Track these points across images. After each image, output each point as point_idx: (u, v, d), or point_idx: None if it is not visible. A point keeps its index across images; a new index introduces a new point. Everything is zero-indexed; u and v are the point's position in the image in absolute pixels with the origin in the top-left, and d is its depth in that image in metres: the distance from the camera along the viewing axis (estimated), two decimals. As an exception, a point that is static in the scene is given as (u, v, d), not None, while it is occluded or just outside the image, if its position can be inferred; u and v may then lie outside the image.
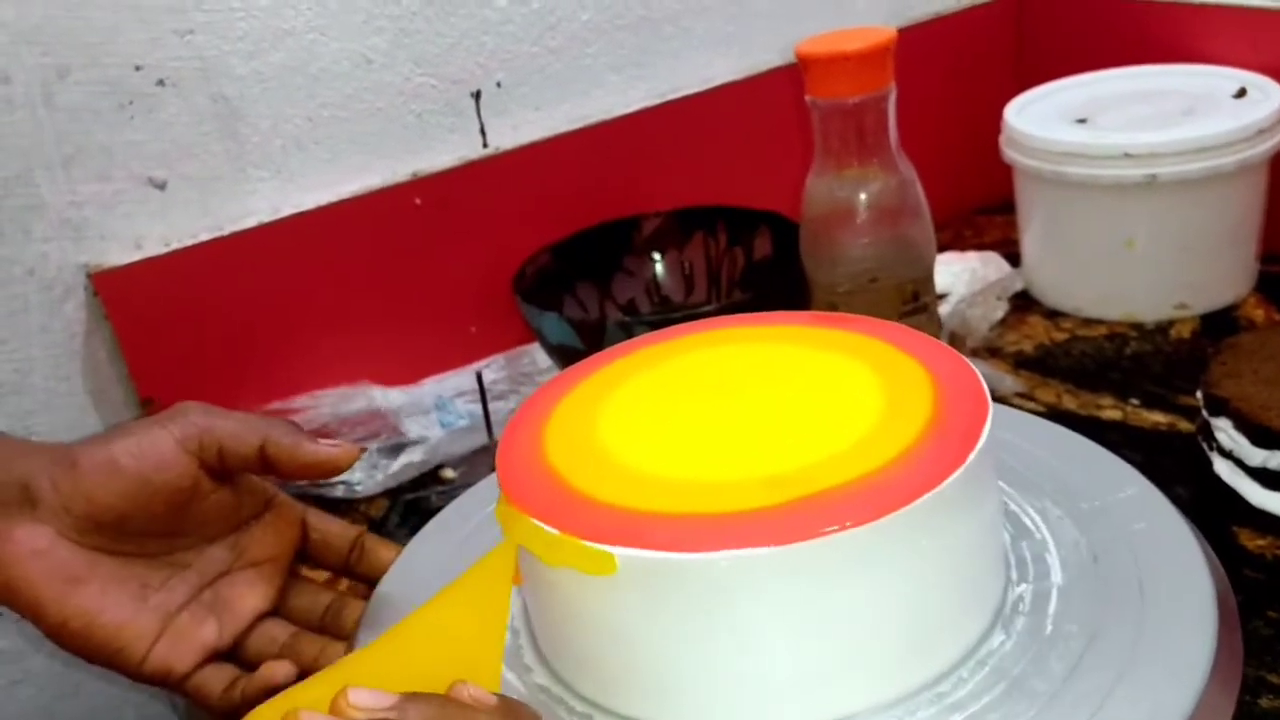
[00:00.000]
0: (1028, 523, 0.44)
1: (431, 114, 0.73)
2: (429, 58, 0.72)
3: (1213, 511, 0.53)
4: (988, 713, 0.36)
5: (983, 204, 0.91)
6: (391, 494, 0.68)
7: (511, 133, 0.76)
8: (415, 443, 0.69)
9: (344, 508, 0.67)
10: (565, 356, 0.66)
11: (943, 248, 0.79)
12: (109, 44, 0.63)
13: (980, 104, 0.81)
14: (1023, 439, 0.48)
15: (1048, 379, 0.68)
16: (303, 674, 0.45)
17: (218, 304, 0.68)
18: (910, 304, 0.60)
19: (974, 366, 0.41)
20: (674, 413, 0.42)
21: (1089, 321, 0.73)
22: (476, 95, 0.74)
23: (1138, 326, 0.72)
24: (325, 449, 0.45)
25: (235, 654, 0.46)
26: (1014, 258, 0.80)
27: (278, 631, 0.47)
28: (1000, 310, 0.76)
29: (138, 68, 0.64)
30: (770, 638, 0.35)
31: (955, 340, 0.73)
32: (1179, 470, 0.56)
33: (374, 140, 0.72)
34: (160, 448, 0.44)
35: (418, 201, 0.73)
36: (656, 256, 0.78)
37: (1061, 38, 0.88)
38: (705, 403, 0.42)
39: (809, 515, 0.34)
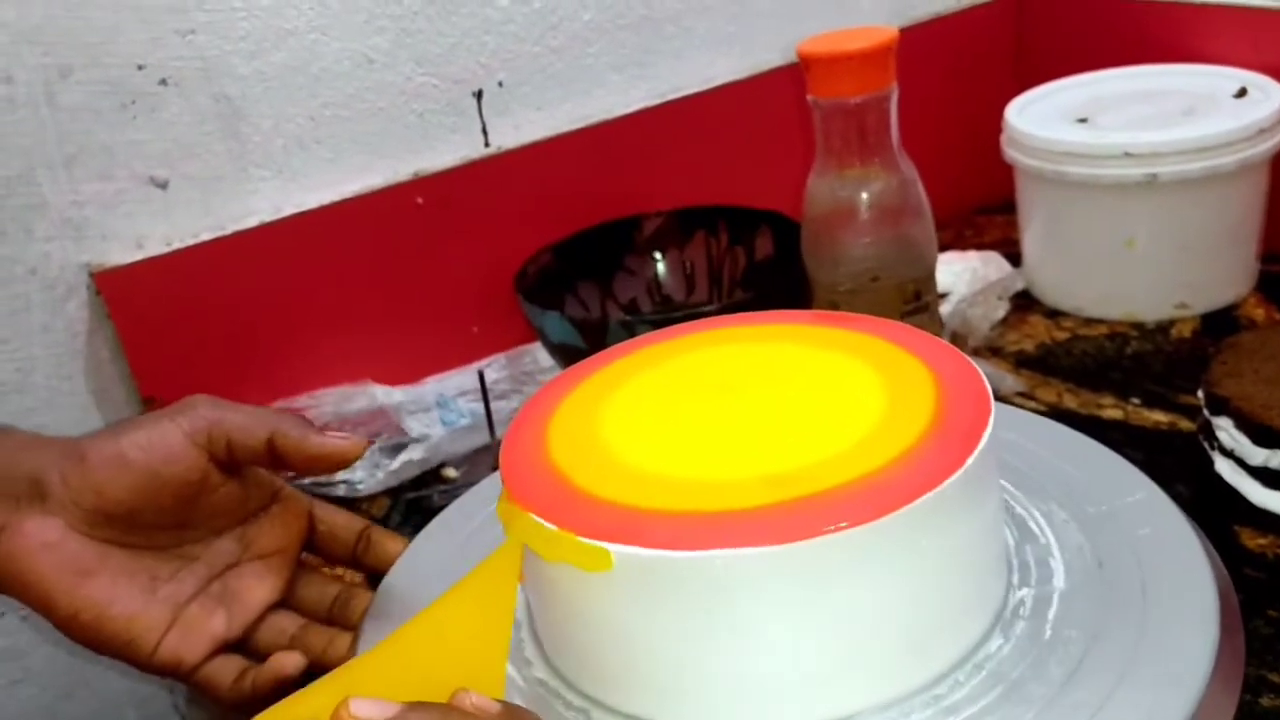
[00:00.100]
0: (1033, 526, 0.44)
1: (433, 113, 0.73)
2: (431, 57, 0.72)
3: (1214, 511, 0.53)
4: (984, 716, 0.36)
5: (983, 204, 0.91)
6: (393, 493, 0.68)
7: (513, 132, 0.76)
8: (417, 441, 0.69)
9: (345, 506, 0.66)
10: (567, 356, 0.66)
11: (944, 247, 0.79)
12: (111, 44, 0.63)
13: (981, 104, 0.81)
14: (1031, 441, 0.48)
15: (1049, 378, 0.68)
16: (311, 665, 0.45)
17: (220, 303, 0.69)
18: (912, 303, 0.60)
19: (976, 366, 0.41)
20: (676, 412, 0.42)
21: (1090, 321, 0.73)
22: (478, 95, 0.74)
23: (1138, 326, 0.72)
24: (333, 441, 0.46)
25: (245, 646, 0.47)
26: (1015, 257, 0.80)
27: (287, 623, 0.47)
28: (1001, 310, 0.76)
29: (140, 67, 0.64)
30: (767, 638, 0.35)
31: (956, 340, 0.73)
32: (1180, 469, 0.56)
33: (376, 140, 0.72)
34: (169, 441, 0.44)
35: (419, 201, 0.73)
36: (658, 256, 0.78)
37: (1062, 38, 0.88)
38: (707, 402, 0.42)
39: (808, 515, 0.34)
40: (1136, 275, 0.72)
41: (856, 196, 0.59)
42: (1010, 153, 0.74)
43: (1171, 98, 0.74)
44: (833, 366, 0.43)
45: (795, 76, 0.63)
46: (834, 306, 0.61)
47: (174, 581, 0.46)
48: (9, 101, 0.61)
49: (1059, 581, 0.40)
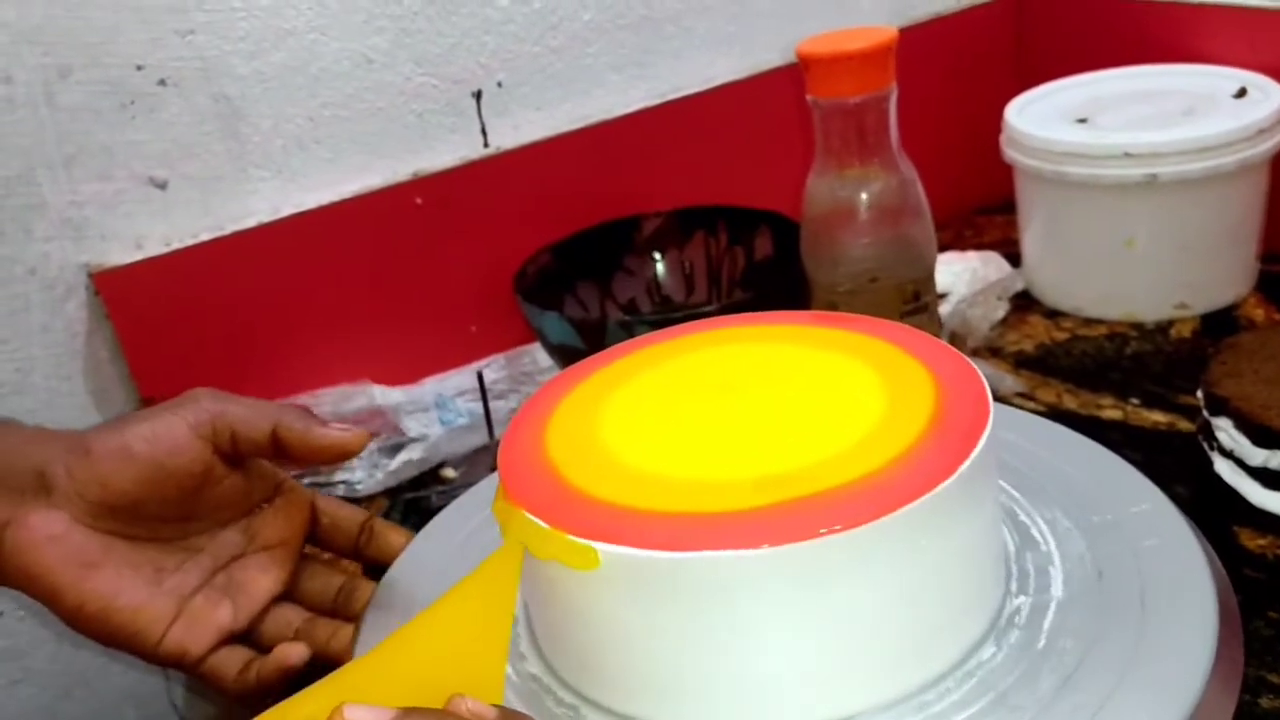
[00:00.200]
0: (1035, 534, 0.43)
1: (432, 114, 0.73)
2: (430, 57, 0.72)
3: (1213, 511, 0.53)
4: None
5: (983, 204, 0.91)
6: (391, 493, 0.68)
7: (512, 132, 0.76)
8: (415, 441, 0.69)
9: (345, 507, 0.67)
10: (566, 356, 0.66)
11: (943, 247, 0.79)
12: (110, 44, 0.63)
13: (980, 104, 0.81)
14: (1030, 441, 0.48)
15: (1048, 379, 0.68)
16: (316, 656, 0.45)
17: (219, 303, 0.69)
18: (911, 304, 0.60)
19: (975, 366, 0.41)
20: (675, 412, 0.42)
21: (1089, 321, 0.73)
22: (477, 95, 0.74)
23: (1138, 326, 0.72)
24: (336, 433, 0.46)
25: (250, 639, 0.47)
26: (1014, 257, 0.80)
27: (292, 616, 0.48)
28: (1001, 310, 0.76)
29: (139, 67, 0.64)
30: (756, 640, 0.35)
31: (956, 340, 0.73)
32: (1179, 470, 0.56)
33: (375, 140, 0.72)
34: (174, 433, 0.44)
35: (419, 201, 0.73)
36: (657, 256, 0.78)
37: (1061, 38, 0.88)
38: (706, 402, 0.42)
39: (800, 516, 0.34)
40: (1136, 275, 0.72)
41: (856, 197, 0.59)
42: (1010, 153, 0.74)
43: (1171, 98, 0.74)
44: (831, 367, 0.43)
45: (795, 76, 0.63)
46: (833, 307, 0.61)
47: (179, 573, 0.46)
48: (8, 101, 0.61)
49: (1057, 590, 0.40)
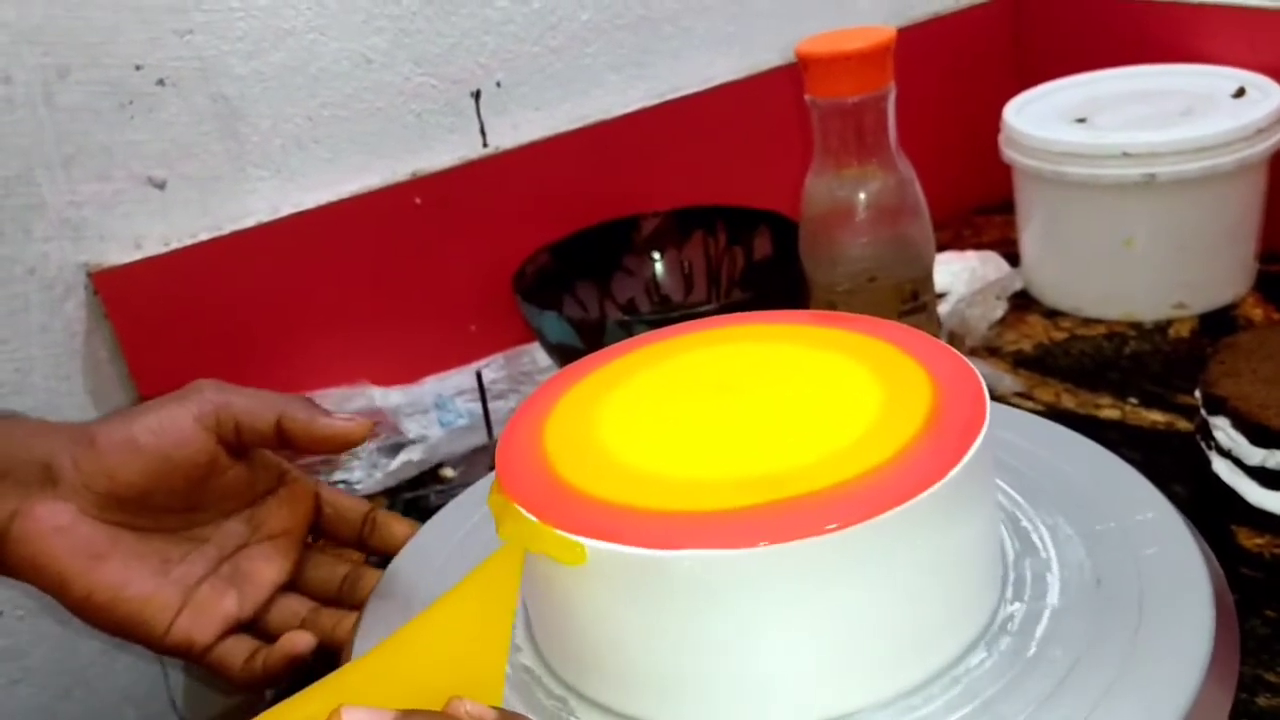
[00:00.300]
0: (1035, 540, 0.43)
1: (431, 113, 0.73)
2: (429, 57, 0.72)
3: (1211, 510, 0.53)
4: None
5: (982, 203, 0.91)
6: (390, 493, 0.68)
7: (511, 132, 0.76)
8: (415, 442, 0.69)
9: (344, 507, 0.67)
10: (565, 355, 0.66)
11: (942, 247, 0.79)
12: (109, 44, 0.63)
13: (979, 104, 0.81)
14: (1029, 441, 0.48)
15: (1047, 378, 0.68)
16: (322, 644, 0.46)
17: (218, 303, 0.69)
18: (909, 303, 0.60)
19: (973, 366, 0.41)
20: (673, 411, 0.42)
21: (1088, 321, 0.73)
22: (476, 95, 0.74)
23: (1136, 326, 0.72)
24: (340, 422, 0.47)
25: (255, 628, 0.47)
26: (1013, 257, 0.80)
27: (297, 605, 0.48)
28: (999, 309, 0.76)
29: (138, 67, 0.64)
30: (748, 639, 0.35)
31: (954, 339, 0.73)
32: (1177, 469, 0.56)
33: (374, 140, 0.72)
34: (179, 424, 0.45)
35: (417, 201, 0.73)
36: (656, 256, 0.78)
37: (1060, 38, 0.88)
38: (704, 401, 0.42)
39: (794, 515, 0.34)
40: (1135, 275, 0.72)
41: (854, 196, 0.59)
42: (1008, 153, 0.75)
43: (1170, 98, 0.74)
44: (829, 367, 0.43)
45: (794, 76, 0.63)
46: (831, 306, 0.61)
47: (185, 563, 0.46)
48: (8, 101, 0.61)
49: (1053, 598, 0.40)
